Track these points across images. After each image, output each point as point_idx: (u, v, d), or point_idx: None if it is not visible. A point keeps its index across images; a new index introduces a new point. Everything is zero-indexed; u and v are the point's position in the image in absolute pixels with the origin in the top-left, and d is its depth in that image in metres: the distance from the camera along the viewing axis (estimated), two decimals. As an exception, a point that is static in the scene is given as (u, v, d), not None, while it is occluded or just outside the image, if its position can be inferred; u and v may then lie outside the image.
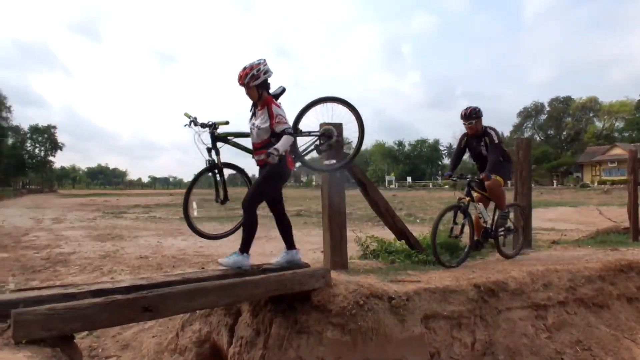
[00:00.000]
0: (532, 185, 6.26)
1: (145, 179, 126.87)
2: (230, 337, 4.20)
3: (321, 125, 4.35)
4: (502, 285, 4.20)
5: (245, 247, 3.74)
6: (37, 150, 68.19)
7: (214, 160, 3.91)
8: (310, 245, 10.12)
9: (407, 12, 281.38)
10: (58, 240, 12.20)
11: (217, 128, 3.89)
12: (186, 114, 3.87)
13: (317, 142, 4.34)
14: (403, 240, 5.17)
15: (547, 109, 76.58)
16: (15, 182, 63.80)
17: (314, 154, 4.40)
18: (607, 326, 4.50)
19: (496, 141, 5.31)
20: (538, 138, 74.25)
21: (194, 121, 3.86)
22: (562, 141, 74.81)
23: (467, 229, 5.09)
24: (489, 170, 5.21)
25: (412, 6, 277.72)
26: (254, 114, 3.87)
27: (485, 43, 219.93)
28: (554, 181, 60.03)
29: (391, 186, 69.20)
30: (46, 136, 67.78)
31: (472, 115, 5.41)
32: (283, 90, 3.99)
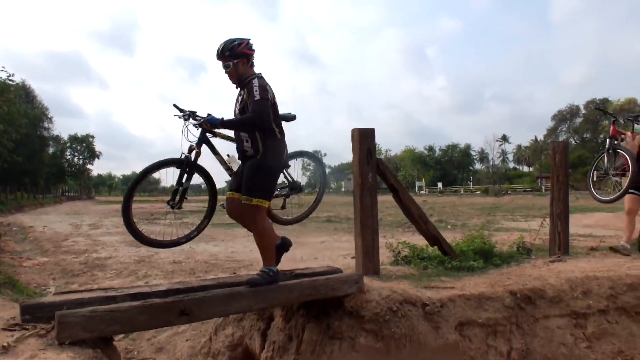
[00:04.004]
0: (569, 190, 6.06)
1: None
2: (262, 341, 4.24)
3: None
4: (540, 293, 4.09)
5: None
6: (75, 159, 70.54)
7: None
8: (341, 251, 10.11)
9: (430, 15, 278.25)
10: (95, 246, 12.57)
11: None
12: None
13: None
14: (436, 247, 5.11)
15: (583, 111, 74.50)
16: (55, 190, 66.19)
17: None
18: (651, 336, 4.32)
19: (257, 97, 3.19)
20: (574, 142, 72.24)
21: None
22: (599, 145, 72.53)
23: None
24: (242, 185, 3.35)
25: (434, 9, 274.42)
26: None
27: (513, 44, 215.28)
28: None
29: (421, 192, 68.66)
30: (84, 145, 70.08)
31: (225, 53, 3.33)
32: None
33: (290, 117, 3.65)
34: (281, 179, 3.73)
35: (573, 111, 75.36)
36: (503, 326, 3.89)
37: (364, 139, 4.44)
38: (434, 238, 5.04)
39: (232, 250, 11.10)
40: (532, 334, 3.98)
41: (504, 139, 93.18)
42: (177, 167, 3.38)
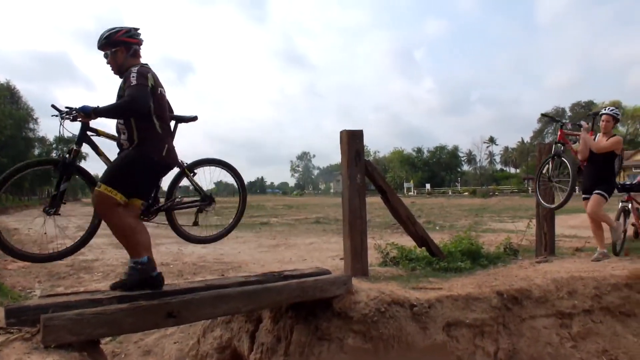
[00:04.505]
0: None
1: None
2: (251, 343, 4.23)
3: None
4: (526, 293, 4.14)
5: None
6: (61, 160, 69.62)
7: None
8: (330, 252, 10.10)
9: (418, 18, 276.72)
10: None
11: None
12: None
13: None
14: (424, 248, 5.14)
15: (569, 114, 75.49)
16: (40, 192, 65.33)
17: None
18: (634, 335, 4.39)
19: (134, 82, 2.94)
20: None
21: None
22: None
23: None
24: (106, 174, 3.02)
25: (421, 11, 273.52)
26: None
27: (500, 46, 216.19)
28: (576, 187, 58.94)
29: (409, 193, 69.05)
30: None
31: (102, 42, 3.15)
32: None
33: (189, 118, 3.49)
34: (189, 186, 3.58)
35: (559, 113, 76.31)
36: (490, 326, 3.93)
37: (352, 140, 4.46)
38: (422, 239, 5.08)
39: (221, 252, 11.03)
40: (518, 334, 4.02)
41: (491, 140, 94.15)
42: (54, 168, 3.16)
